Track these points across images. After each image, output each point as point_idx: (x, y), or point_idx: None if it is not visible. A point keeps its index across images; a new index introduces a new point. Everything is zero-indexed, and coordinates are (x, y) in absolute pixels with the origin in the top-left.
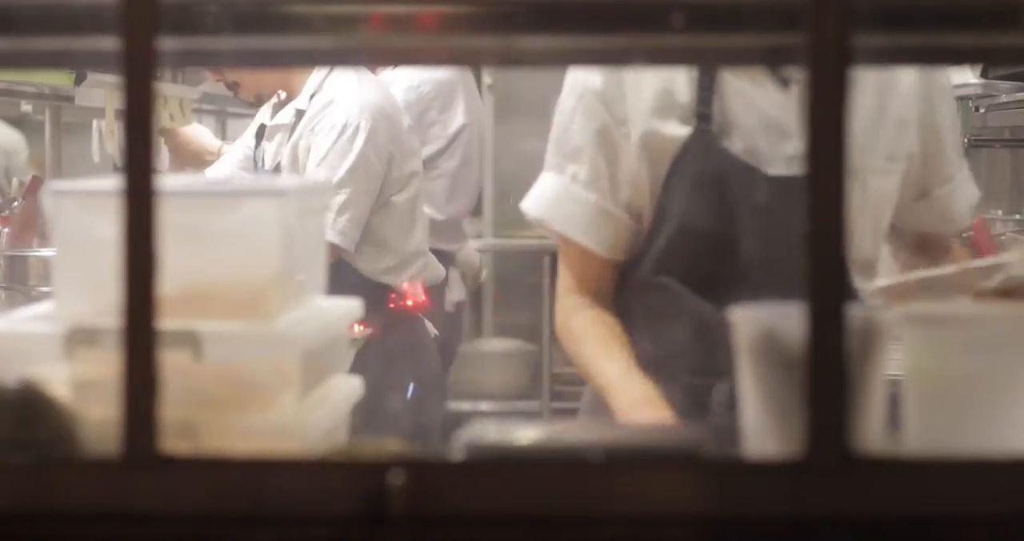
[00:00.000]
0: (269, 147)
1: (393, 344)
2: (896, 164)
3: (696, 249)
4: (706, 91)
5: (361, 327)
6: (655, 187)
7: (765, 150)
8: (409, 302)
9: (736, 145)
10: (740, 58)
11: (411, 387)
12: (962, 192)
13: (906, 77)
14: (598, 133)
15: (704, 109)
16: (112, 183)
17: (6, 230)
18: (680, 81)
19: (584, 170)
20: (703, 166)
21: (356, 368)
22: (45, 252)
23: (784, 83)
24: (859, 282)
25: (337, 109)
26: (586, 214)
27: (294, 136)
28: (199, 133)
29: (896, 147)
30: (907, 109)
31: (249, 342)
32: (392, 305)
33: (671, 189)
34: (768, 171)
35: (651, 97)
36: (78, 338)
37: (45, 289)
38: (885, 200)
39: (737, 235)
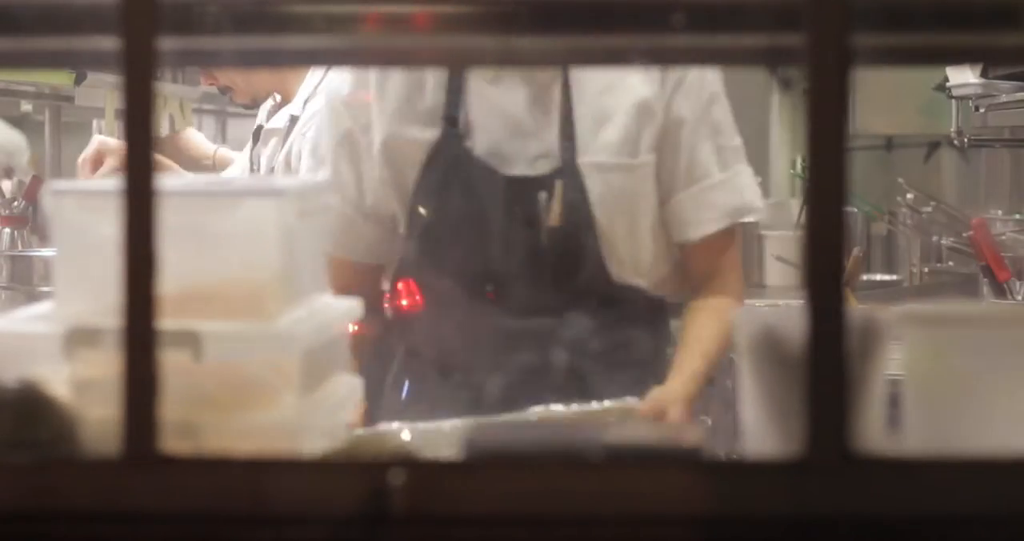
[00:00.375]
0: (265, 151)
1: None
2: (638, 158)
3: (445, 251)
4: (454, 94)
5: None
6: (404, 191)
7: (508, 151)
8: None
9: (480, 147)
10: (740, 58)
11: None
12: (708, 198)
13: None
14: (342, 140)
15: (451, 112)
16: (112, 183)
17: (7, 230)
18: (428, 84)
19: (327, 176)
20: (449, 169)
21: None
22: (45, 252)
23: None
24: (636, 284)
25: None
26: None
27: (288, 142)
28: (194, 138)
29: (638, 139)
30: (648, 101)
31: (249, 342)
32: (386, 305)
33: (420, 192)
34: (508, 172)
35: (396, 101)
36: (78, 338)
37: (45, 289)
38: (636, 198)
39: (483, 236)
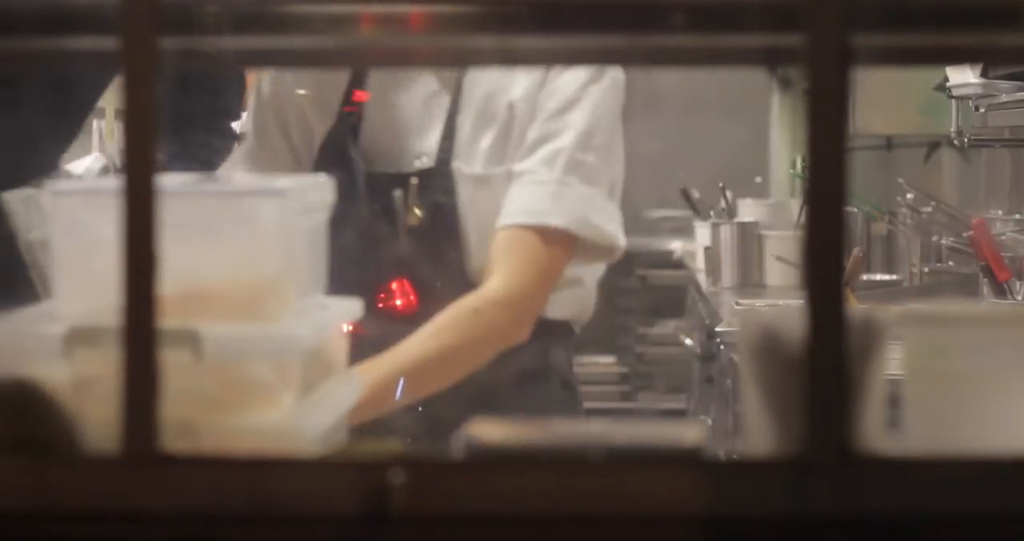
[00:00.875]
0: None
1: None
2: (503, 166)
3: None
4: (356, 83)
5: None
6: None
7: (391, 147)
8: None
9: (366, 140)
10: (740, 58)
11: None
12: (517, 191)
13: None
14: (268, 101)
15: (347, 102)
16: (112, 183)
17: None
18: (338, 74)
19: (252, 136)
20: (332, 160)
21: None
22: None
23: (785, 83)
24: None
25: None
26: None
27: None
28: None
29: (506, 145)
30: (516, 102)
31: (249, 342)
32: (380, 305)
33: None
34: (375, 168)
35: (310, 83)
36: (78, 338)
37: None
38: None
39: (353, 232)
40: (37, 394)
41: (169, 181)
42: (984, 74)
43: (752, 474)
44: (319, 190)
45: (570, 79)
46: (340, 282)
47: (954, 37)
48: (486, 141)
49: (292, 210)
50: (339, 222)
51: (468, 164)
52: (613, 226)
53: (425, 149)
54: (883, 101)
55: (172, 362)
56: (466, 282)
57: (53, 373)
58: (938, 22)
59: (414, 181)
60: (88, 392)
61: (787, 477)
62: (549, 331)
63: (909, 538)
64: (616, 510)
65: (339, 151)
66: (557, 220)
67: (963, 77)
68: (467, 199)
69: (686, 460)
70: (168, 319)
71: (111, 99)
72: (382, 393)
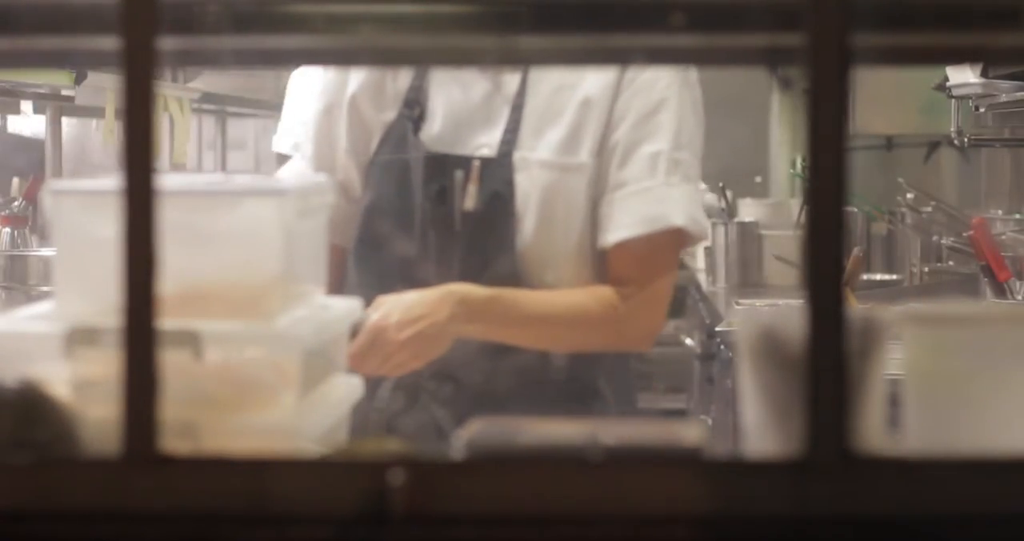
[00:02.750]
0: None
1: None
2: (576, 159)
3: (384, 230)
4: (418, 79)
5: None
6: (363, 169)
7: (453, 139)
8: None
9: (428, 133)
10: (740, 58)
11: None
12: (629, 202)
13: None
14: (324, 112)
15: (411, 96)
16: (112, 183)
17: (7, 230)
18: (401, 68)
19: (310, 148)
20: (394, 151)
21: None
22: (45, 252)
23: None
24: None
25: None
26: None
27: None
28: None
29: (579, 140)
30: (593, 98)
31: (249, 342)
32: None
33: (371, 172)
34: (449, 152)
35: (367, 82)
36: (78, 338)
37: (45, 289)
38: (568, 200)
39: (409, 218)
40: (38, 394)
41: (169, 181)
42: (984, 74)
43: (752, 474)
44: (319, 190)
45: (652, 79)
46: (393, 263)
47: (954, 37)
48: (555, 134)
49: (292, 210)
50: (396, 207)
51: (533, 153)
52: (704, 216)
53: (487, 141)
54: (883, 101)
55: (172, 362)
56: (514, 270)
57: (53, 373)
58: (938, 22)
59: (476, 164)
60: (88, 392)
61: (787, 477)
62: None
63: (909, 538)
64: (616, 510)
65: (401, 142)
66: (677, 220)
67: (963, 77)
68: (527, 189)
69: (686, 460)
70: (168, 319)
71: (111, 99)
72: (484, 314)
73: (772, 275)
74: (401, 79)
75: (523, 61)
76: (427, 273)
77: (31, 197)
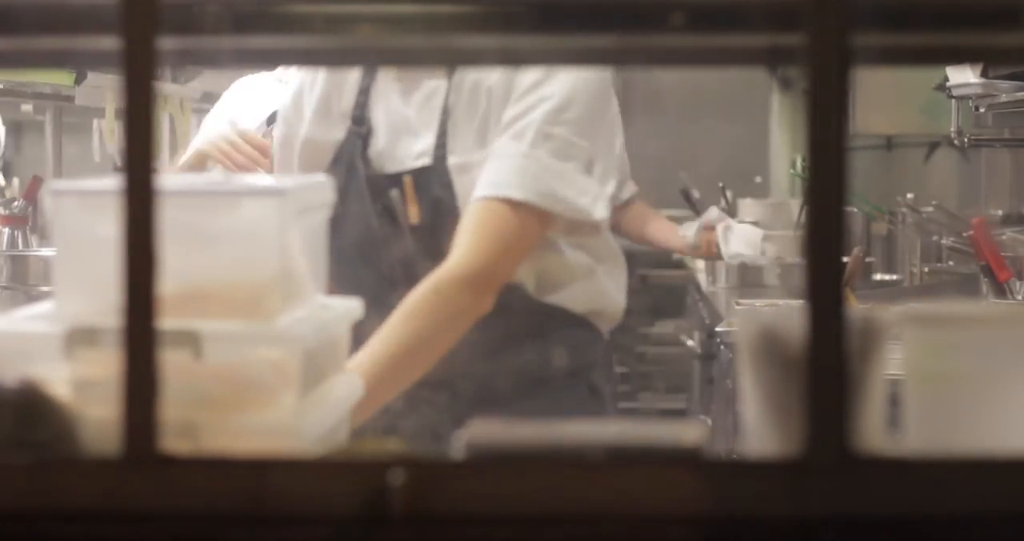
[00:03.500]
0: None
1: None
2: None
3: (343, 248)
4: (363, 94)
5: None
6: None
7: (397, 151)
8: None
9: (375, 146)
10: (740, 58)
11: None
12: (488, 165)
13: None
14: (282, 143)
15: (357, 112)
16: (112, 183)
17: (7, 230)
18: (347, 85)
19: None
20: (346, 168)
21: None
22: (45, 252)
23: (785, 83)
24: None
25: None
26: None
27: None
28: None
29: (491, 128)
30: (495, 84)
31: (249, 342)
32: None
33: None
34: (388, 169)
35: (316, 103)
36: (78, 338)
37: (45, 289)
38: None
39: (363, 236)
40: (38, 394)
41: (169, 181)
42: (984, 74)
43: (752, 474)
44: (319, 190)
45: (552, 74)
46: (349, 284)
47: (954, 37)
48: (470, 129)
49: (292, 210)
50: (346, 227)
51: (465, 156)
52: (587, 200)
53: (424, 148)
54: (883, 101)
55: (172, 362)
56: None
57: (53, 373)
58: (938, 22)
59: (407, 179)
60: (88, 392)
61: (787, 477)
62: (571, 325)
63: (909, 538)
64: (616, 510)
65: (350, 162)
66: (518, 193)
67: (963, 77)
68: (462, 191)
69: (686, 460)
70: (168, 319)
71: (111, 99)
72: (374, 388)
73: (772, 275)
74: (346, 96)
75: (523, 61)
76: (391, 293)
77: (31, 197)
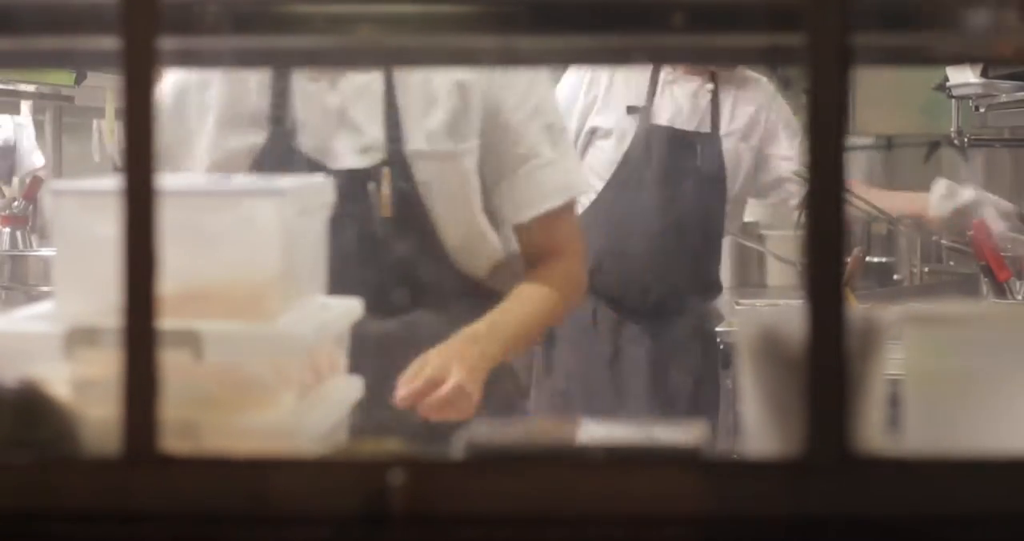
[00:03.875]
0: None
1: None
2: (463, 144)
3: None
4: (279, 95)
5: None
6: None
7: (335, 146)
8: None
9: (307, 144)
10: (740, 58)
11: None
12: (538, 177)
13: None
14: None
15: (277, 112)
16: (112, 183)
17: (7, 230)
18: (252, 88)
19: None
20: (277, 170)
21: None
22: (45, 252)
23: (785, 83)
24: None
25: None
26: None
27: None
28: None
29: (461, 123)
30: (466, 82)
31: (249, 342)
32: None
33: None
34: (335, 166)
35: (219, 108)
36: (78, 338)
37: (45, 289)
38: (464, 183)
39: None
40: (38, 394)
41: (169, 181)
42: (984, 74)
43: (752, 474)
44: (319, 190)
45: None
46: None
47: (954, 37)
48: (435, 120)
49: (292, 210)
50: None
51: (426, 144)
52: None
53: (371, 141)
54: (883, 101)
55: (172, 362)
56: (448, 264)
57: (53, 373)
58: (938, 22)
59: (384, 172)
60: (88, 392)
61: (787, 477)
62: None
63: (909, 538)
64: (616, 510)
65: (280, 162)
66: (581, 188)
67: (963, 77)
68: (428, 179)
69: (686, 460)
70: (168, 319)
71: (111, 99)
72: (515, 346)
73: (772, 275)
74: (255, 98)
75: (523, 61)
76: (363, 291)
77: (31, 197)
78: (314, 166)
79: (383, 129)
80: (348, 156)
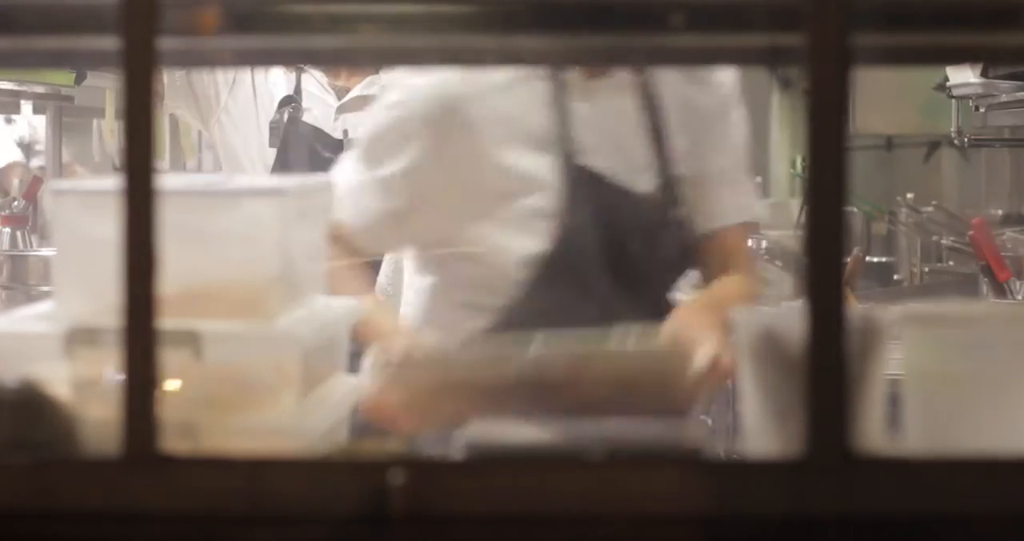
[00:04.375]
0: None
1: None
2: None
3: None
4: (561, 114)
5: None
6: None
7: (617, 166)
8: None
9: (598, 166)
10: (740, 58)
11: None
12: (739, 190)
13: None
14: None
15: (564, 132)
16: (112, 183)
17: (7, 230)
18: (533, 106)
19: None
20: (582, 192)
21: None
22: (45, 252)
23: (785, 83)
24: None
25: None
26: None
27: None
28: None
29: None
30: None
31: (249, 342)
32: None
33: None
34: (635, 189)
35: (499, 123)
36: (78, 338)
37: (45, 289)
38: None
39: (621, 256)
40: (38, 394)
41: (169, 181)
42: (984, 74)
43: (752, 474)
44: (319, 191)
45: (723, 79)
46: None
47: (954, 37)
48: (684, 145)
49: (292, 210)
50: (609, 250)
51: (685, 170)
52: None
53: (643, 162)
54: (883, 101)
55: (172, 362)
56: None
57: (53, 373)
58: (938, 22)
59: (653, 200)
60: (88, 392)
61: (787, 477)
62: None
63: (909, 538)
64: (616, 510)
65: (585, 182)
66: (757, 210)
67: (963, 77)
68: (691, 204)
69: (686, 460)
70: (168, 319)
71: (111, 99)
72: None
73: (772, 275)
74: (537, 116)
75: (523, 61)
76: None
77: (31, 197)
78: (618, 190)
79: (655, 154)
80: (634, 177)
